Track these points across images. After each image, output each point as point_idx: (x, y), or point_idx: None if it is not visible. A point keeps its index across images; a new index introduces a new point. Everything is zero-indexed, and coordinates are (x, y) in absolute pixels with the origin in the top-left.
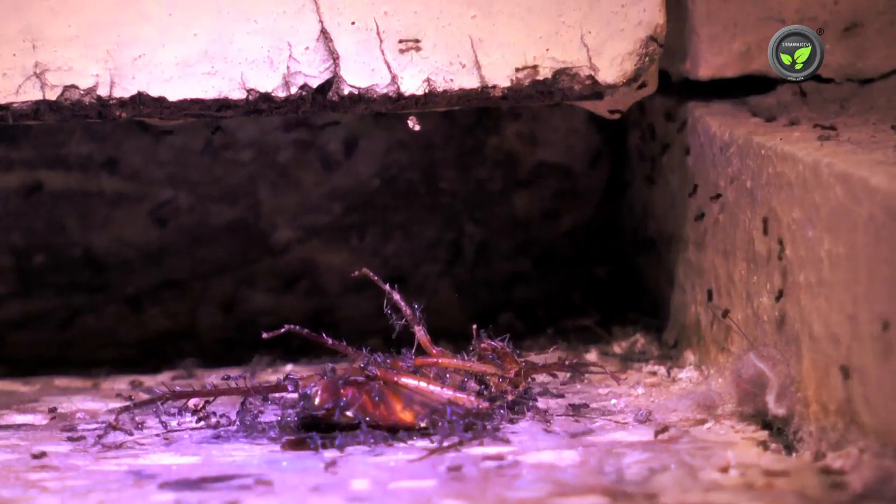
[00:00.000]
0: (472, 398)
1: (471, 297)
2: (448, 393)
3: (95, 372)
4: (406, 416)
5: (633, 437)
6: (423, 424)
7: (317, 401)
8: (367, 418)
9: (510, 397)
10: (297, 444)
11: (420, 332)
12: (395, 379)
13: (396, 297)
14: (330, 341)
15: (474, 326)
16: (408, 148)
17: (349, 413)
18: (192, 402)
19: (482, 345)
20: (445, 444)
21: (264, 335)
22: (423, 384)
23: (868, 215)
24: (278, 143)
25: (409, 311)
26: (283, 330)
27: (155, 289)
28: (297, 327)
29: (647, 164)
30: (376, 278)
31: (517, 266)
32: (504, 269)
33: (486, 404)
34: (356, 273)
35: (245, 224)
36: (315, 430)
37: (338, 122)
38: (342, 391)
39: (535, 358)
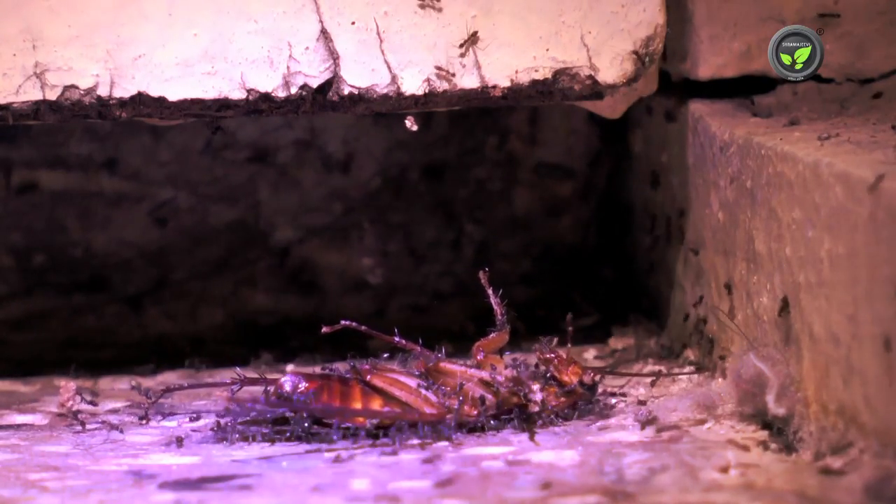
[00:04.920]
0: (428, 407)
1: (471, 297)
2: (404, 397)
3: (95, 372)
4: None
5: (633, 437)
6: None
7: (272, 397)
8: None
9: (555, 403)
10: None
11: (491, 335)
12: (368, 379)
13: (494, 300)
14: (396, 339)
15: (554, 337)
16: (408, 148)
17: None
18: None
19: (538, 353)
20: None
21: (324, 329)
22: (388, 387)
23: (868, 215)
24: (278, 142)
25: (501, 316)
26: (340, 325)
27: (155, 289)
28: (355, 323)
29: (646, 164)
30: (485, 280)
31: (517, 266)
32: (504, 269)
33: (431, 412)
34: (481, 273)
35: (245, 224)
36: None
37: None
38: (301, 388)
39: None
